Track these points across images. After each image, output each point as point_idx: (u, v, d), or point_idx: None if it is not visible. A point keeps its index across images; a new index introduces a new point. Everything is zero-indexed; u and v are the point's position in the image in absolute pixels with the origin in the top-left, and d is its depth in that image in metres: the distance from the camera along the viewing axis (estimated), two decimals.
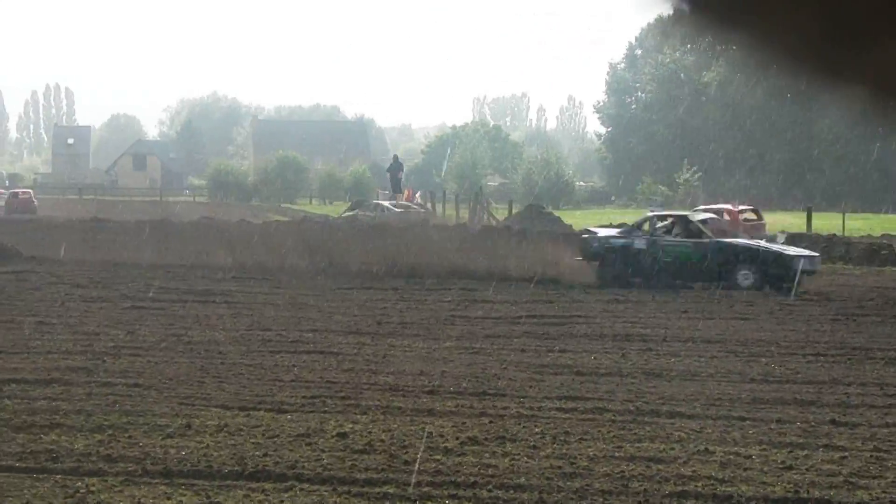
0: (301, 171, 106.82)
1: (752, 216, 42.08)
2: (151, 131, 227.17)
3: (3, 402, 11.88)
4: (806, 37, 1.75)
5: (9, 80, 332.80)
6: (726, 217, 37.46)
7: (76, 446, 10.02)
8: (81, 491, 8.87)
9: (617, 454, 10.27)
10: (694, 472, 9.67)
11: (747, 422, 11.73)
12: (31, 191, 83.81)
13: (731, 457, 10.22)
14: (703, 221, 28.49)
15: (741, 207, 43.41)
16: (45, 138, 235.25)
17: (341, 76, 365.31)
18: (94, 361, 14.78)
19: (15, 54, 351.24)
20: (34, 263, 30.43)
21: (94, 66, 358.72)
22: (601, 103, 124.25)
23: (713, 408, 12.43)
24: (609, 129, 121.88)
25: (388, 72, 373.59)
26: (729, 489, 9.21)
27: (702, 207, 41.12)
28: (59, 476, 9.26)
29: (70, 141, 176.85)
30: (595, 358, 16.09)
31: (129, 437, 10.43)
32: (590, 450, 10.41)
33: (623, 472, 9.64)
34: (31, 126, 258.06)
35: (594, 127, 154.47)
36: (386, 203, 55.10)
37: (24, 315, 19.70)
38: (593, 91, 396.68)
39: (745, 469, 9.85)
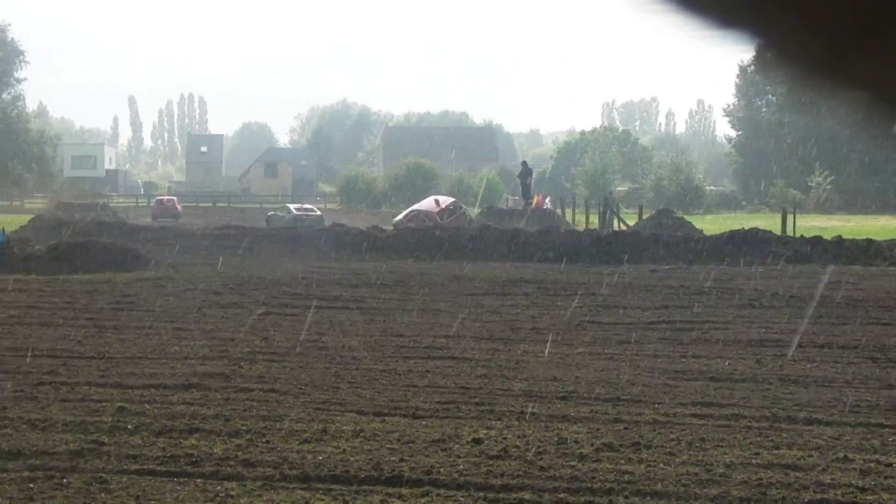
0: (430, 178, 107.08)
1: None
2: (283, 139, 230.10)
3: (143, 406, 12.06)
4: None
5: (144, 90, 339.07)
6: None
7: (215, 450, 10.15)
8: (221, 495, 8.99)
9: (754, 461, 10.14)
10: (833, 479, 9.52)
11: (886, 429, 11.52)
12: (174, 198, 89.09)
13: (872, 464, 10.03)
14: None
15: None
16: (179, 147, 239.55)
17: (470, 82, 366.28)
18: (231, 367, 14.96)
19: (149, 65, 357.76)
20: (171, 270, 30.96)
21: (227, 76, 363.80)
22: (731, 106, 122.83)
23: (851, 414, 12.22)
24: (739, 133, 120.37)
25: (517, 77, 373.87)
26: (870, 497, 9.05)
27: None
28: (200, 480, 9.39)
29: (203, 149, 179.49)
30: (730, 364, 15.90)
31: (267, 441, 10.53)
32: (726, 456, 10.29)
33: (761, 479, 9.52)
34: (166, 135, 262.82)
35: (724, 130, 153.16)
36: (292, 206, 66.20)
37: (161, 321, 20.03)
38: (723, 94, 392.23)
39: (887, 477, 9.67)
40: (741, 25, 1.73)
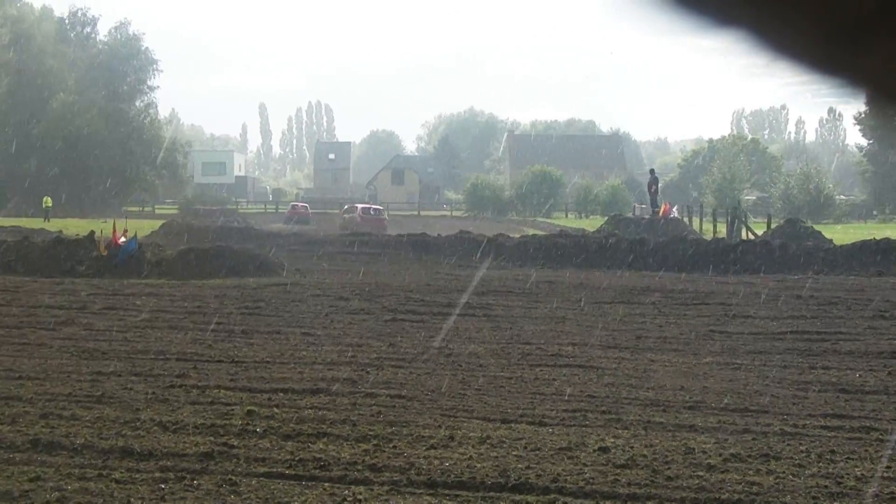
0: (556, 186, 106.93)
1: None
2: (409, 146, 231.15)
3: (272, 410, 12.19)
4: None
5: (274, 99, 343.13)
6: None
7: (343, 455, 10.21)
8: (349, 499, 9.04)
9: (886, 474, 9.96)
10: None
11: None
12: (307, 204, 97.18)
13: None
14: None
15: None
16: (307, 154, 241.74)
17: (597, 90, 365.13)
18: (359, 372, 15.06)
19: (279, 73, 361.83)
20: (299, 276, 31.29)
21: (354, 84, 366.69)
22: (862, 114, 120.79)
23: None
24: (871, 142, 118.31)
25: (645, 85, 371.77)
26: None
27: None
28: (327, 484, 9.46)
29: (331, 156, 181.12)
30: (860, 375, 15.63)
31: (394, 447, 10.58)
32: (857, 469, 10.11)
33: (893, 492, 9.35)
34: (294, 142, 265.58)
35: (855, 139, 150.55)
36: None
37: (290, 326, 20.25)
38: (854, 102, 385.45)
39: None
40: (738, 24, 1.71)
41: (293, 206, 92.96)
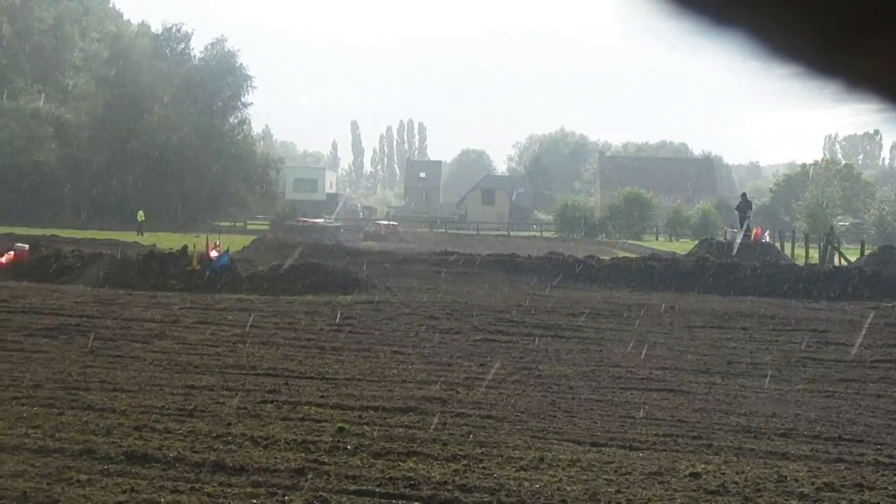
0: (647, 208, 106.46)
1: None
2: (500, 166, 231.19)
3: (362, 427, 12.23)
4: None
5: (366, 117, 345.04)
6: None
7: (433, 474, 10.22)
8: None
9: None
10: None
11: None
12: (396, 223, 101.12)
13: None
14: None
15: None
16: (398, 172, 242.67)
17: (689, 113, 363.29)
18: (449, 392, 15.07)
19: (371, 91, 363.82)
20: (389, 294, 31.37)
21: (446, 103, 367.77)
22: None
23: None
24: None
25: (737, 109, 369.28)
26: None
27: None
28: (417, 503, 9.47)
29: (422, 175, 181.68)
30: None
31: (484, 467, 10.56)
32: None
33: None
34: (385, 160, 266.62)
35: None
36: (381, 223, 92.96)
37: (380, 344, 20.31)
38: None
39: None
40: (735, 24, 1.70)
41: (379, 223, 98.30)
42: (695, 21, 1.71)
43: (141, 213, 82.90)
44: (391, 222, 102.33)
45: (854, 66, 1.73)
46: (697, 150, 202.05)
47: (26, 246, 37.37)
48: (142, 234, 71.30)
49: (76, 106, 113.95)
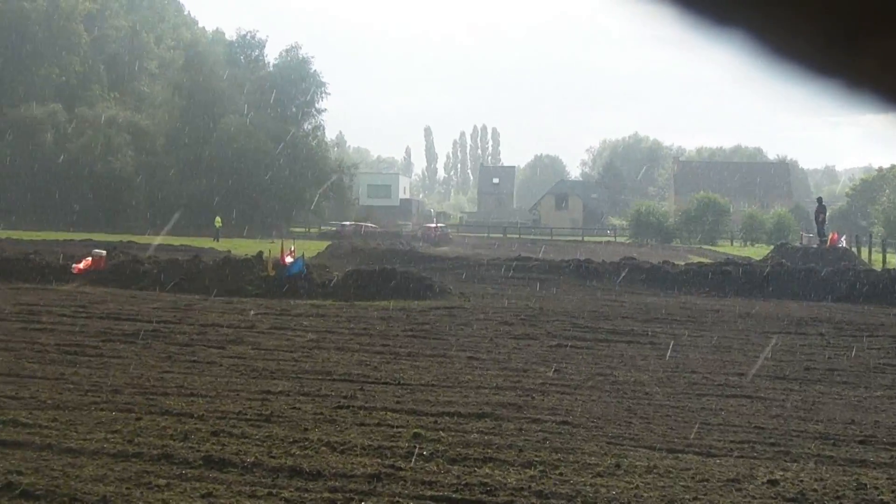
0: (721, 213, 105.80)
1: None
2: (573, 171, 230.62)
3: (438, 433, 12.23)
4: None
5: (440, 122, 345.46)
6: None
7: (509, 481, 10.20)
8: None
9: None
10: None
11: None
12: (444, 224, 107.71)
13: None
14: None
15: None
16: (471, 177, 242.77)
17: (764, 118, 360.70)
18: (524, 398, 15.04)
19: (445, 97, 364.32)
20: (463, 300, 31.38)
21: (520, 108, 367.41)
22: None
23: None
24: None
25: (812, 113, 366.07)
26: None
27: None
28: None
29: (495, 180, 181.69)
30: None
31: (560, 473, 10.53)
32: None
33: None
34: (459, 166, 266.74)
35: None
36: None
37: (455, 350, 20.32)
38: None
39: None
40: (736, 24, 1.69)
41: (433, 228, 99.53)
42: (695, 21, 1.71)
43: (218, 219, 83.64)
44: (439, 224, 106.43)
45: (854, 66, 1.73)
46: (772, 154, 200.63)
47: (104, 252, 37.75)
48: (218, 241, 71.85)
49: (152, 113, 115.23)
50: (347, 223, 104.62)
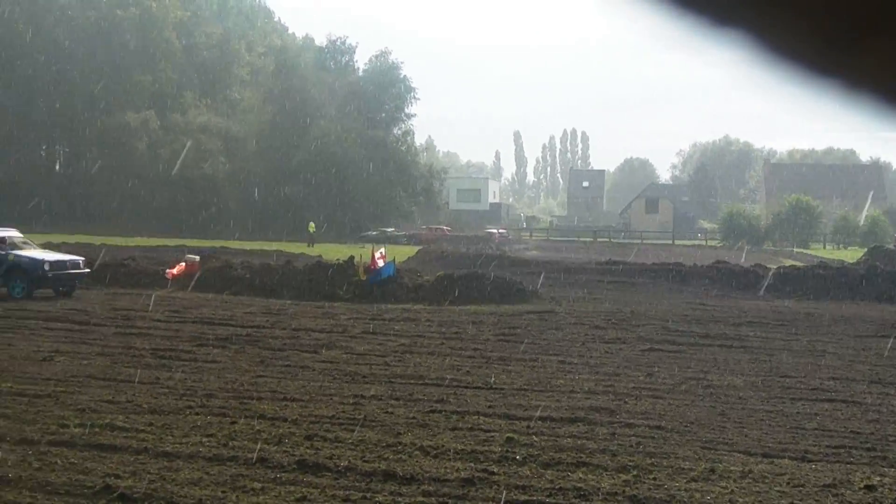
0: (814, 216, 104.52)
1: None
2: (664, 175, 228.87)
3: (531, 438, 12.23)
4: None
5: (529, 126, 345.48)
6: None
7: (602, 485, 10.16)
8: None
9: None
10: None
11: None
12: (505, 230, 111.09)
13: None
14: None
15: None
16: (561, 181, 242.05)
17: (856, 120, 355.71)
18: (617, 402, 15.00)
19: (535, 102, 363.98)
20: (554, 304, 31.32)
21: (609, 112, 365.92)
22: None
23: None
24: None
25: None
26: None
27: None
28: None
29: (585, 184, 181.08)
30: None
31: (654, 478, 10.48)
32: None
33: None
34: (548, 170, 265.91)
35: None
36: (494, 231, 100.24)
37: (547, 354, 20.30)
38: None
39: None
40: (736, 24, 1.67)
41: (492, 232, 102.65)
42: (695, 22, 1.72)
43: (312, 224, 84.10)
44: (501, 230, 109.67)
45: (854, 66, 1.72)
46: (865, 156, 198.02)
47: (197, 257, 38.14)
48: (312, 246, 72.20)
49: (243, 119, 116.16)
50: (424, 227, 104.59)
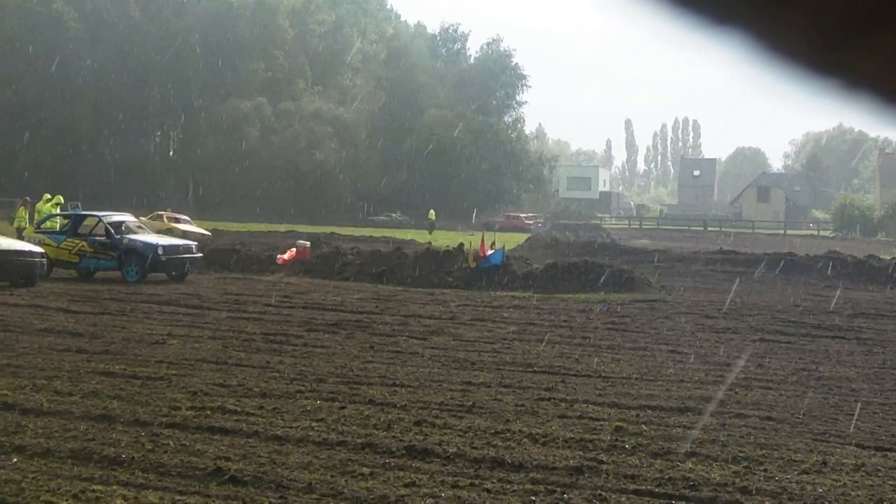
0: None
1: None
2: (776, 164, 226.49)
3: (640, 427, 12.16)
4: None
5: (640, 115, 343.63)
6: None
7: (713, 476, 10.07)
8: None
9: None
10: None
11: None
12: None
13: None
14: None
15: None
16: (671, 170, 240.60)
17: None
18: (727, 392, 14.85)
19: (646, 89, 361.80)
20: (664, 293, 31.15)
21: (721, 101, 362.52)
22: None
23: None
24: None
25: None
26: None
27: None
28: None
29: (696, 173, 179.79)
30: None
31: (765, 470, 10.37)
32: None
33: None
34: (659, 158, 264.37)
35: None
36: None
37: (656, 343, 20.18)
38: None
39: None
40: (735, 23, 1.63)
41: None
42: (693, 20, 1.69)
43: (432, 211, 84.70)
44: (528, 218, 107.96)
45: (853, 65, 1.68)
46: None
47: (308, 243, 38.48)
48: (432, 233, 72.51)
49: (354, 106, 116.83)
50: (501, 216, 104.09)
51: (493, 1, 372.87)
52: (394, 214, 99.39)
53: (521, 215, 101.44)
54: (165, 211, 64.69)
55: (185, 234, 46.51)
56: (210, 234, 54.82)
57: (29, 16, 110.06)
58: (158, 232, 38.53)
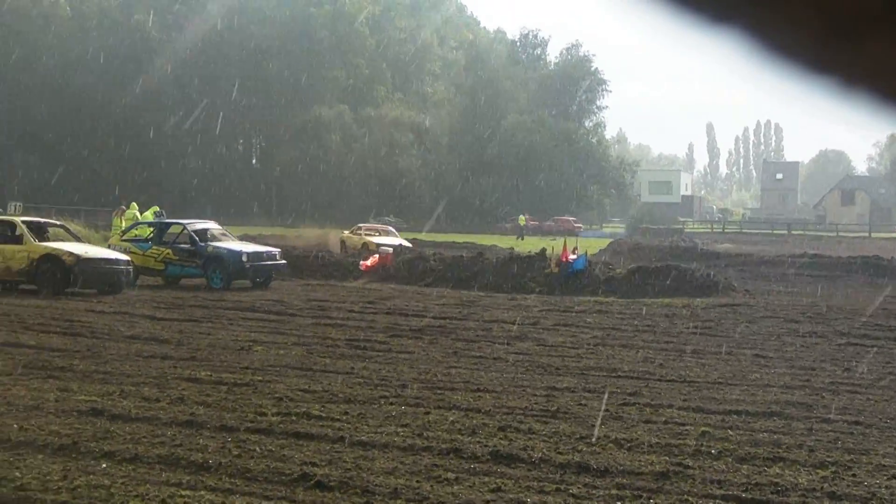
0: None
1: None
2: (860, 166, 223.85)
3: (726, 432, 12.08)
4: None
5: (721, 117, 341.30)
6: None
7: (800, 481, 9.98)
8: None
9: None
10: None
11: None
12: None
13: None
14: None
15: None
16: (754, 173, 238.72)
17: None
18: (813, 397, 14.72)
19: (728, 92, 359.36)
20: (748, 297, 30.95)
21: (803, 103, 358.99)
22: None
23: None
24: None
25: None
26: None
27: None
28: None
29: (779, 176, 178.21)
30: None
31: (853, 475, 10.26)
32: None
33: None
34: (741, 161, 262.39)
35: None
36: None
37: (741, 347, 20.04)
38: None
39: None
40: (734, 22, 1.61)
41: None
42: (692, 18, 1.69)
43: (522, 217, 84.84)
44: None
45: (852, 64, 1.67)
46: None
47: (391, 249, 38.65)
48: (522, 238, 72.63)
49: (435, 112, 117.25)
50: (551, 220, 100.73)
51: (571, 7, 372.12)
52: (387, 218, 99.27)
53: (570, 219, 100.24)
54: (367, 223, 63.01)
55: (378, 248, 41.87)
56: (410, 244, 50.34)
57: (116, 30, 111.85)
58: (353, 247, 38.68)
